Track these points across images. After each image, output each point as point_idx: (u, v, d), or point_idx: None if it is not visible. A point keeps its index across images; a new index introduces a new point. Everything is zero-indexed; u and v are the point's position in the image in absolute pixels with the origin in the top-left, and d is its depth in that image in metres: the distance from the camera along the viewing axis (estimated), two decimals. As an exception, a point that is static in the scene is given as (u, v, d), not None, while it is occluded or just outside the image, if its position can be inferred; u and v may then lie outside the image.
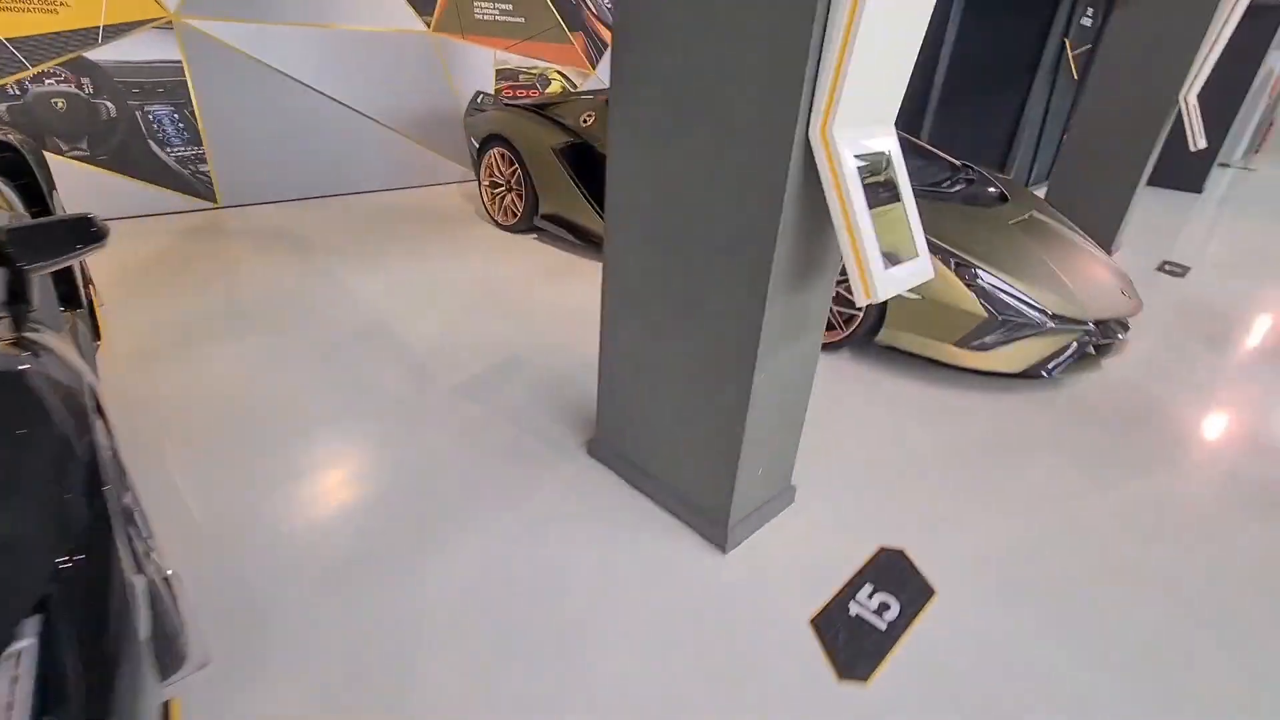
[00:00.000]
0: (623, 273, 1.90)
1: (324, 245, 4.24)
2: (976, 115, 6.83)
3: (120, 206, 4.47)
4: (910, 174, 3.62)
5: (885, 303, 2.89)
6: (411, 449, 2.28)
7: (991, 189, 3.55)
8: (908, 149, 3.93)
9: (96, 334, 2.55)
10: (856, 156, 1.35)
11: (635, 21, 1.57)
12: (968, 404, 2.82)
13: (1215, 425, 2.83)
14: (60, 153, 4.15)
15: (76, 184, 4.23)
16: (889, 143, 1.44)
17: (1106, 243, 5.05)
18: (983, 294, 2.73)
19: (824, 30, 1.24)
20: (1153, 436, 2.70)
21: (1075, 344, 2.82)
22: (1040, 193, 5.44)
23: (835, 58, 1.24)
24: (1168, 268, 5.04)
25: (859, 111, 1.35)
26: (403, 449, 2.28)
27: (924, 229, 2.91)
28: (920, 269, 1.48)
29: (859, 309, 2.93)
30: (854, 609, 1.75)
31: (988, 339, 2.77)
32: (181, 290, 3.41)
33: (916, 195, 3.23)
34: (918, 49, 1.39)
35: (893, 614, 1.74)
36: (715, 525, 1.90)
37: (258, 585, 1.72)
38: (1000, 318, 2.72)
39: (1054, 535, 2.10)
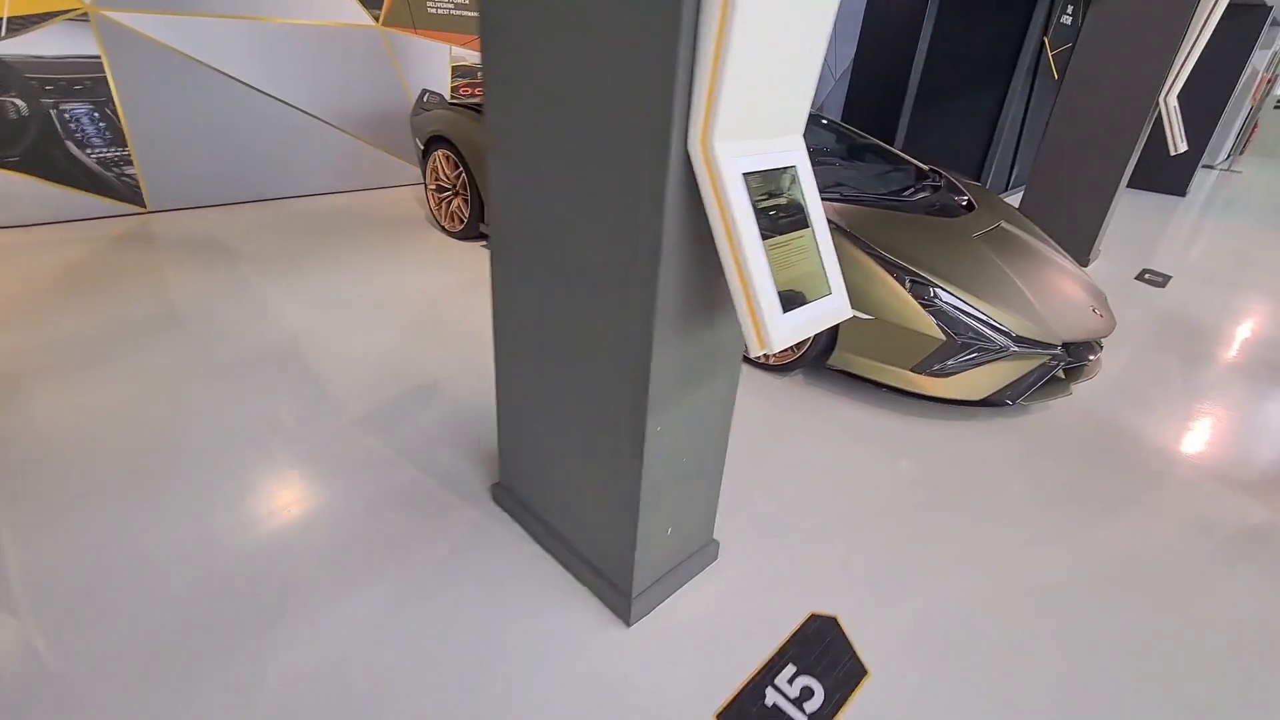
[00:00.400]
0: (510, 300, 1.64)
1: (251, 253, 3.95)
2: (953, 117, 6.61)
3: (36, 212, 4.17)
4: (869, 181, 3.42)
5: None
6: (289, 496, 2.02)
7: (958, 197, 3.31)
8: (868, 151, 3.69)
9: (-52, 362, 2.27)
10: (748, 175, 1.10)
11: (500, 9, 1.31)
12: (925, 435, 2.58)
13: (1190, 460, 2.61)
14: (-37, 155, 3.85)
15: (-16, 188, 3.94)
16: (794, 156, 1.19)
17: (1085, 249, 4.84)
18: (941, 315, 2.49)
19: (695, 19, 0.99)
20: (1123, 473, 2.47)
21: (1042, 369, 2.59)
22: (1019, 197, 5.23)
23: (711, 53, 0.99)
24: (1148, 276, 4.83)
25: (750, 119, 1.10)
26: (278, 496, 2.02)
27: (879, 242, 2.71)
28: (833, 309, 1.23)
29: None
30: (770, 697, 1.50)
31: (947, 364, 2.53)
32: (83, 304, 3.12)
33: (874, 205, 3.04)
34: (824, 43, 1.14)
35: (816, 702, 1.50)
36: (618, 594, 1.65)
37: (67, 674, 1.45)
38: (960, 341, 2.48)
39: (1011, 593, 1.87)
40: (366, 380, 2.67)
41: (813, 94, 1.19)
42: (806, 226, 1.20)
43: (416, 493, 2.06)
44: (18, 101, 3.94)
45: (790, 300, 1.15)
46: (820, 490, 2.22)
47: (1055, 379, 2.71)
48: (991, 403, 2.61)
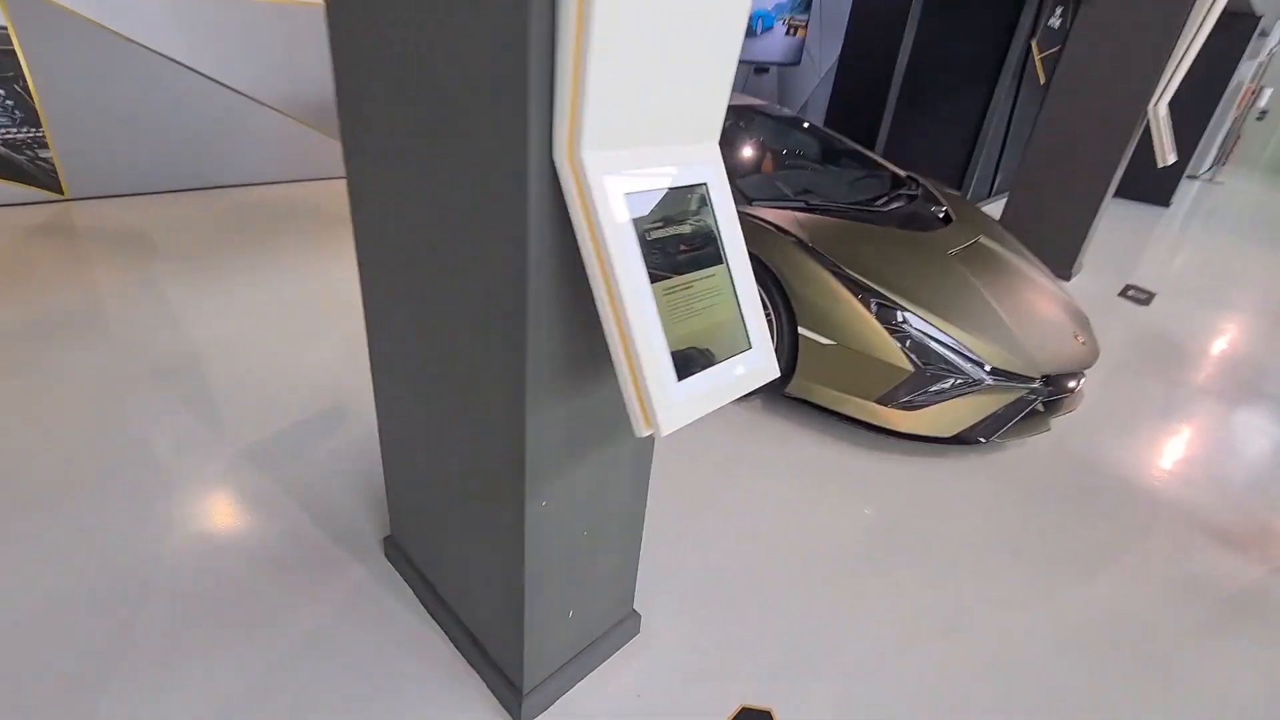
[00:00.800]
0: (382, 328, 1.36)
1: (176, 249, 3.61)
2: (936, 121, 6.38)
3: (-66, 197, 3.80)
4: (837, 188, 3.13)
5: (796, 347, 2.39)
6: (138, 550, 1.71)
7: (935, 208, 3.06)
8: (840, 155, 3.43)
9: None
10: (632, 195, 0.82)
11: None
12: (888, 475, 2.33)
13: (1178, 505, 2.38)
14: None
15: None
16: (704, 171, 0.92)
17: (1067, 263, 4.63)
18: (910, 343, 2.24)
19: (547, -21, 0.71)
20: (1105, 519, 2.24)
21: (1019, 403, 2.35)
22: (1001, 204, 5.02)
23: (573, 26, 0.72)
24: (1131, 293, 4.63)
25: (637, 121, 0.82)
26: (124, 550, 1.71)
27: (844, 258, 2.43)
28: (753, 371, 0.96)
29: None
30: (682, 825, 1.24)
31: (916, 396, 2.28)
32: (-44, 307, 2.78)
33: (841, 215, 2.75)
34: (741, 24, 0.86)
35: (736, 831, 1.24)
36: (509, 688, 1.37)
37: None
38: (930, 372, 2.23)
39: (977, 671, 1.62)
40: (265, 403, 2.36)
41: (729, 89, 0.92)
42: (719, 263, 0.93)
43: (297, 545, 1.77)
44: (-90, 75, 3.56)
45: (690, 362, 0.87)
46: (766, 543, 1.96)
47: (1034, 413, 2.47)
48: (963, 440, 2.37)
